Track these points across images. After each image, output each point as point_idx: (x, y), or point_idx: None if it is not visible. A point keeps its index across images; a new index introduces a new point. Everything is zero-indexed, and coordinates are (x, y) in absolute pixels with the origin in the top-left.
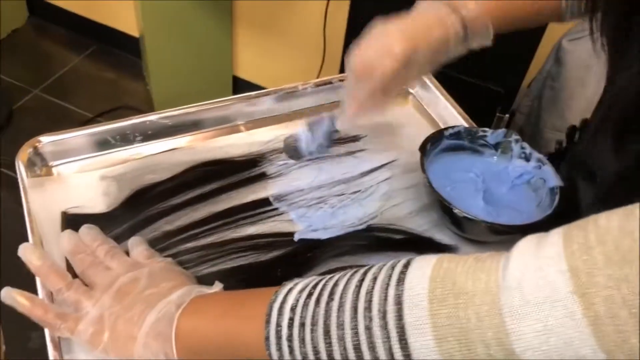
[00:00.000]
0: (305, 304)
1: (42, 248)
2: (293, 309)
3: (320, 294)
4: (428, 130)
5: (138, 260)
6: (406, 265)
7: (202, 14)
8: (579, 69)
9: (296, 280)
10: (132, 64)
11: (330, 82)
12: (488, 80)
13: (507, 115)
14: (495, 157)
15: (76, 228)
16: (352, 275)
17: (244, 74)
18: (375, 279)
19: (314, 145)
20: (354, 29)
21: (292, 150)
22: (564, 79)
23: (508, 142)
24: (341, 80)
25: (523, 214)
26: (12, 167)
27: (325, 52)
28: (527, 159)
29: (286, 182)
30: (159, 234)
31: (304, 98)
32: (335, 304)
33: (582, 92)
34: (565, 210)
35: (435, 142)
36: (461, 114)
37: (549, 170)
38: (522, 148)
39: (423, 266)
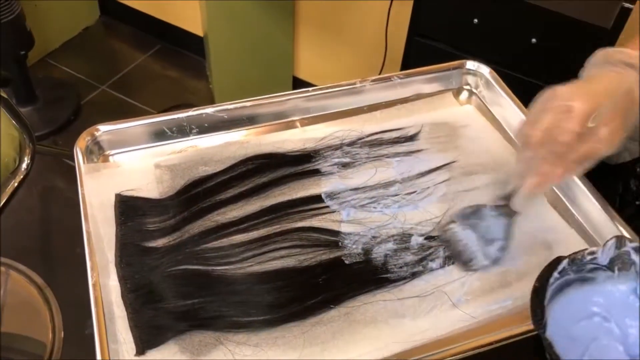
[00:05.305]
0: None
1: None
2: None
3: None
4: (490, 131)
5: None
6: None
7: (265, 14)
8: None
9: None
10: (195, 63)
11: (389, 79)
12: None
13: None
14: (613, 279)
15: (129, 211)
16: None
17: (304, 74)
18: None
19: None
20: (416, 30)
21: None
22: None
23: (624, 253)
24: (400, 78)
25: None
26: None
27: (386, 53)
28: None
29: (340, 180)
30: (211, 224)
31: (362, 95)
32: None
33: None
34: None
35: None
36: (526, 114)
37: None
38: None
39: None
